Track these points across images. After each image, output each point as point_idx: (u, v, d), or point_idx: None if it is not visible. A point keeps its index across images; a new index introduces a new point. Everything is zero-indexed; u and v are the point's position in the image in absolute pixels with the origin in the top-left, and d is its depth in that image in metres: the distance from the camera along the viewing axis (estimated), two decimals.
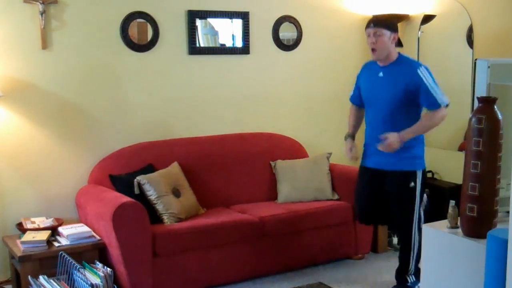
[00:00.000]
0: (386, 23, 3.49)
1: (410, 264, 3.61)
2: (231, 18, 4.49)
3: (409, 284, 3.65)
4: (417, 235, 3.53)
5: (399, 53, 3.54)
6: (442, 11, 4.84)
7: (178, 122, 4.38)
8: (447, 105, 3.43)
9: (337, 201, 4.28)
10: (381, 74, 3.52)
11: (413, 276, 3.64)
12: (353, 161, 3.76)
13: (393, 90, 3.44)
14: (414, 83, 3.38)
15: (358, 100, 3.76)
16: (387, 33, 3.42)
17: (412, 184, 3.51)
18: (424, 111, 3.50)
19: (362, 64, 5.11)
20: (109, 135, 4.11)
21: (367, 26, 3.48)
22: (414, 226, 3.52)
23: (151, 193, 3.76)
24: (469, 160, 2.24)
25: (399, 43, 3.57)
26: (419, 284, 3.49)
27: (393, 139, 3.38)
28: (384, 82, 3.50)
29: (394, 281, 3.89)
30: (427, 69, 3.43)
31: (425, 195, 3.63)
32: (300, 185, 4.31)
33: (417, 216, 3.54)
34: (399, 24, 5.05)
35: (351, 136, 3.74)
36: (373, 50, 3.46)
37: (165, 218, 3.73)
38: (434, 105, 3.40)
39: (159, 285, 3.55)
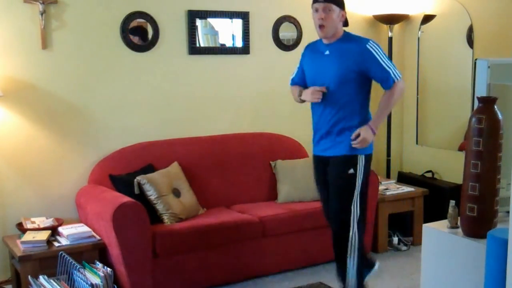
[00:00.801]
0: None
1: (349, 269, 3.32)
2: (231, 18, 4.49)
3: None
4: (356, 233, 3.26)
5: (346, 31, 3.31)
6: (442, 11, 4.84)
7: (178, 122, 4.38)
8: (401, 79, 3.25)
9: None
10: (327, 52, 3.28)
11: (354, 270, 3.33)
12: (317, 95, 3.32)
13: (341, 68, 3.21)
14: (365, 58, 3.18)
15: (301, 81, 3.49)
16: (336, 9, 3.21)
17: (352, 170, 3.23)
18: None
19: None
20: (109, 135, 4.11)
21: (315, 0, 3.25)
22: (352, 221, 3.24)
23: (151, 193, 3.76)
24: (469, 160, 2.24)
25: (345, 23, 3.31)
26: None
27: (365, 133, 3.21)
28: (331, 60, 3.26)
29: (394, 281, 3.90)
30: (376, 43, 3.23)
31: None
32: (300, 185, 4.30)
33: (355, 209, 3.25)
34: (399, 24, 5.07)
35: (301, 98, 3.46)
36: (321, 26, 3.21)
37: (165, 218, 3.73)
38: (388, 80, 3.21)
39: (159, 285, 3.55)
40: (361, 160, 3.26)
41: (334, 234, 3.39)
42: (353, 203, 3.24)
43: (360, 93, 3.29)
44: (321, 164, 3.39)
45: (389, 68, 3.21)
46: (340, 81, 3.22)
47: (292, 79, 3.59)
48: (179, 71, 4.35)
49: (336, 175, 3.28)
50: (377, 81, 3.27)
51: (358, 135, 3.22)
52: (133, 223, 3.42)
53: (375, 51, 3.19)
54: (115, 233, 3.37)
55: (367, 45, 3.19)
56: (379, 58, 3.19)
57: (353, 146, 3.23)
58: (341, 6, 3.27)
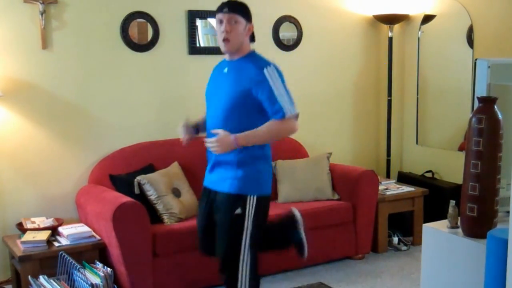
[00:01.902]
0: (244, 9, 2.92)
1: None
2: (254, 36, 4.46)
3: None
4: (246, 281, 2.86)
5: (253, 50, 2.98)
6: (442, 11, 4.84)
7: (178, 122, 4.35)
8: (296, 116, 2.84)
9: (337, 201, 4.28)
10: (226, 70, 2.94)
11: None
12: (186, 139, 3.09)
13: (232, 89, 2.85)
14: (257, 83, 2.79)
15: None
16: (243, 21, 2.88)
17: (239, 210, 2.82)
18: None
19: (362, 64, 5.15)
20: (109, 135, 4.11)
21: (220, 10, 2.87)
22: (241, 269, 2.84)
23: (151, 193, 3.76)
24: (469, 160, 2.24)
25: (252, 38, 2.99)
26: None
27: (223, 137, 2.79)
28: (226, 79, 2.91)
29: (394, 281, 3.90)
30: (277, 70, 2.85)
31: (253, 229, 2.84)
32: (300, 185, 4.31)
33: (245, 257, 2.84)
34: (399, 24, 5.07)
35: (194, 124, 3.12)
36: (225, 40, 2.85)
37: (165, 218, 3.73)
38: (278, 112, 2.78)
39: (159, 285, 3.55)
40: (251, 201, 2.84)
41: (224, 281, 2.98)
42: (241, 250, 2.84)
43: (258, 120, 2.84)
44: (206, 196, 3.03)
45: (282, 100, 2.79)
46: (230, 102, 2.86)
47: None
48: (179, 71, 4.35)
49: (220, 214, 2.90)
50: (267, 111, 2.82)
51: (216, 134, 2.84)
52: (133, 223, 3.42)
53: (271, 78, 2.80)
54: (115, 233, 3.37)
55: (264, 70, 2.81)
56: (273, 87, 2.78)
57: (206, 145, 2.86)
58: (248, 18, 2.94)
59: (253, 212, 2.84)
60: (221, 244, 2.91)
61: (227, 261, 2.91)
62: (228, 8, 2.87)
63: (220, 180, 2.91)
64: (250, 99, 2.82)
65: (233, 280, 2.88)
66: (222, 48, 2.91)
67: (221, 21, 2.87)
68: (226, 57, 2.98)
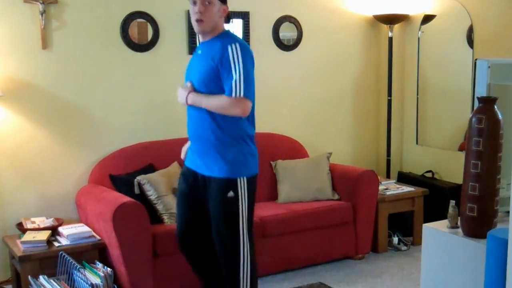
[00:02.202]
0: None
1: None
2: (231, 18, 4.48)
3: None
4: (248, 263, 2.89)
5: (227, 30, 2.96)
6: (442, 11, 4.84)
7: (178, 122, 4.37)
8: (245, 98, 2.81)
9: (337, 201, 4.28)
10: (200, 51, 2.96)
11: None
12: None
13: (202, 68, 2.88)
14: (219, 57, 2.78)
15: None
16: (217, 2, 2.85)
17: (231, 193, 2.84)
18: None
19: (362, 64, 5.15)
20: (109, 135, 4.11)
21: None
22: (242, 250, 2.87)
23: (151, 193, 3.76)
24: (469, 160, 2.24)
25: (227, 20, 2.97)
26: None
27: (182, 92, 2.91)
28: (199, 59, 2.92)
29: (394, 281, 3.89)
30: (243, 48, 2.80)
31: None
32: (300, 185, 4.31)
33: (243, 237, 2.86)
34: (399, 24, 5.07)
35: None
36: (198, 21, 2.83)
37: (165, 218, 3.73)
38: (227, 90, 2.78)
39: (159, 285, 3.55)
40: (242, 183, 2.87)
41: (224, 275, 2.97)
42: (240, 232, 2.88)
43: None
44: (190, 179, 3.00)
45: (236, 79, 2.77)
46: (203, 81, 2.87)
47: None
48: (179, 71, 4.33)
49: (213, 200, 2.89)
50: (224, 87, 2.82)
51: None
52: (133, 223, 3.42)
53: (233, 53, 2.78)
54: (115, 233, 3.37)
55: (229, 46, 2.78)
56: (232, 64, 2.77)
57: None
58: (223, 0, 2.90)
59: (246, 193, 2.88)
60: (218, 231, 2.90)
61: (226, 248, 2.89)
62: None
63: (207, 164, 2.89)
64: (217, 75, 2.82)
65: (234, 272, 2.89)
66: (195, 29, 2.90)
67: (194, 2, 2.86)
68: (201, 38, 2.97)
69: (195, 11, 2.84)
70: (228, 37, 2.88)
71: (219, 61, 2.79)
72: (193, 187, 3.00)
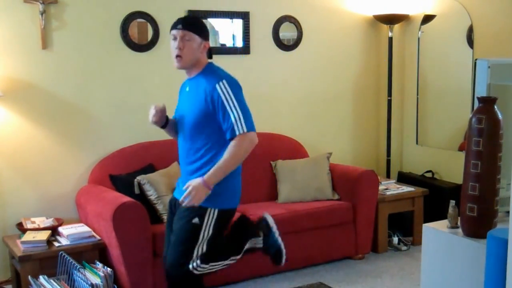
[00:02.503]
0: (199, 27, 2.87)
1: None
2: (231, 18, 4.49)
3: None
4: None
5: (209, 63, 2.93)
6: (442, 11, 4.84)
7: None
8: (248, 132, 2.79)
9: (337, 201, 4.28)
10: (187, 88, 2.96)
11: None
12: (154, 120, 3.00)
13: (193, 110, 2.85)
14: (212, 101, 2.78)
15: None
16: (197, 38, 2.83)
17: (196, 220, 2.79)
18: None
19: (362, 64, 5.15)
20: (109, 135, 4.11)
21: (174, 26, 2.85)
22: (187, 279, 2.84)
23: (151, 193, 3.76)
24: (469, 160, 2.24)
25: (211, 54, 2.95)
26: None
27: (195, 186, 2.74)
28: (188, 98, 2.92)
29: (394, 281, 3.89)
30: (230, 83, 2.80)
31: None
32: (300, 185, 4.30)
33: (194, 266, 2.82)
34: (399, 24, 5.07)
35: (165, 115, 3.00)
36: (177, 56, 2.83)
37: (165, 218, 3.73)
38: (228, 130, 2.76)
39: (159, 285, 3.55)
40: (211, 214, 2.82)
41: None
42: (192, 260, 2.83)
43: (216, 137, 2.84)
44: (174, 208, 3.00)
45: (235, 116, 2.76)
46: (192, 122, 2.86)
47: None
48: (179, 71, 4.33)
49: (177, 221, 2.87)
50: (222, 128, 2.81)
51: (188, 187, 2.78)
52: (133, 223, 3.42)
53: (224, 93, 2.76)
54: (115, 233, 3.37)
55: (217, 85, 2.77)
56: (225, 103, 2.75)
57: (181, 202, 2.80)
58: (204, 36, 2.87)
59: (211, 224, 2.83)
60: (173, 251, 2.86)
61: (175, 268, 2.85)
62: (182, 24, 2.84)
63: (183, 190, 2.83)
64: (211, 116, 2.81)
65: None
66: (175, 65, 2.88)
67: (175, 38, 2.84)
68: (187, 75, 2.96)
69: (175, 46, 2.83)
70: (212, 73, 2.85)
71: (211, 103, 2.78)
72: (171, 214, 3.02)
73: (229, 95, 2.77)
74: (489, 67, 2.42)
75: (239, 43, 4.55)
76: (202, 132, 2.85)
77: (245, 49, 4.57)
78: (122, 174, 3.91)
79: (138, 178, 3.80)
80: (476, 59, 2.54)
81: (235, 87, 2.82)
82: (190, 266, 2.82)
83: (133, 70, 4.18)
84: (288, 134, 4.72)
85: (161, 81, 4.28)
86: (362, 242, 4.31)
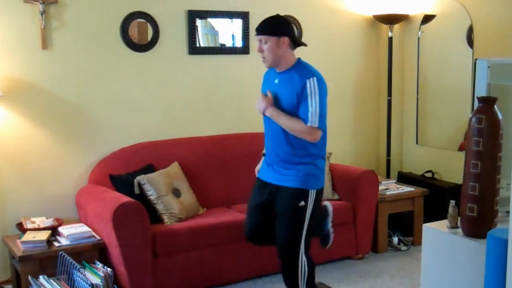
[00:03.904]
0: (271, 28, 3.14)
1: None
2: (231, 18, 4.49)
3: None
4: (305, 262, 3.19)
5: (299, 59, 3.22)
6: (442, 11, 4.84)
7: (178, 122, 4.38)
8: (318, 128, 3.10)
9: (337, 201, 4.28)
10: (276, 81, 3.22)
11: None
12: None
13: (287, 99, 3.15)
14: (299, 93, 3.09)
15: None
16: (273, 38, 3.10)
17: (302, 203, 3.13)
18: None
19: (362, 64, 5.15)
20: (109, 135, 4.11)
21: (254, 32, 3.21)
22: (300, 251, 3.17)
23: (151, 193, 3.77)
24: (469, 160, 2.24)
25: (300, 44, 3.23)
26: None
27: (264, 99, 3.17)
28: (278, 90, 3.20)
29: (394, 281, 3.89)
30: (319, 81, 3.12)
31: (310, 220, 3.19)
32: None
33: (302, 242, 3.16)
34: (399, 24, 5.07)
35: (263, 154, 3.45)
36: (263, 58, 3.19)
37: (165, 218, 3.73)
38: (305, 119, 3.08)
39: (159, 285, 3.55)
40: (312, 195, 3.15)
41: (283, 265, 3.27)
42: (302, 236, 3.15)
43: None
44: (263, 189, 3.28)
45: (312, 110, 3.06)
46: (284, 111, 3.14)
47: None
48: (179, 71, 4.35)
49: (285, 206, 3.17)
50: (300, 115, 3.10)
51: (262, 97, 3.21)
52: (133, 223, 3.42)
53: (311, 88, 3.07)
54: (115, 233, 3.37)
55: (307, 80, 3.08)
56: (309, 96, 3.06)
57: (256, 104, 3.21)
58: (279, 33, 3.13)
59: (313, 203, 3.16)
60: (283, 232, 3.19)
61: (288, 247, 3.19)
62: (257, 30, 3.18)
63: (283, 177, 3.17)
64: (295, 106, 3.10)
65: (293, 263, 3.20)
66: (264, 65, 3.23)
67: (258, 41, 3.17)
68: (276, 69, 3.22)
69: (258, 50, 3.19)
70: (304, 69, 3.16)
71: (299, 94, 3.08)
72: (265, 197, 3.26)
73: (315, 91, 3.08)
74: (489, 67, 2.43)
75: (239, 43, 4.55)
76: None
77: (244, 49, 4.57)
78: (122, 174, 3.91)
79: (138, 178, 3.80)
80: (476, 59, 2.54)
81: (322, 87, 3.13)
82: (301, 246, 3.15)
83: (133, 70, 4.17)
84: None
85: (161, 81, 4.28)
86: (362, 242, 4.30)
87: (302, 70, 3.15)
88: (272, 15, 3.28)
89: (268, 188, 3.25)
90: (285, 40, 3.14)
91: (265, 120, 3.27)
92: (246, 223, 3.41)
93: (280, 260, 3.26)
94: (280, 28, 3.17)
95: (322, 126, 3.15)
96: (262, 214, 3.30)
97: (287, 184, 3.16)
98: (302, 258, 3.18)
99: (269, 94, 3.21)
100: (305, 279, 3.23)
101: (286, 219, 3.18)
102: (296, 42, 3.22)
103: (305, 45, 3.29)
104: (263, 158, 3.43)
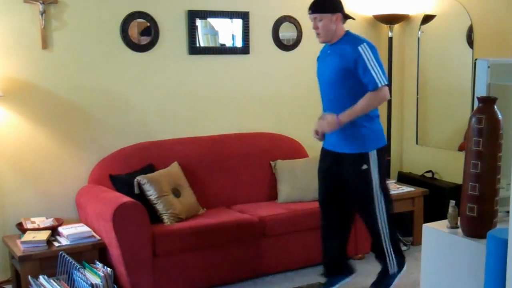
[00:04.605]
0: (325, 6, 3.36)
1: (386, 251, 3.51)
2: (231, 18, 4.49)
3: (390, 273, 3.58)
4: (384, 218, 3.43)
5: (347, 31, 3.42)
6: (442, 11, 4.84)
7: (178, 122, 4.38)
8: (386, 85, 3.31)
9: None
10: (329, 51, 3.45)
11: (394, 263, 3.56)
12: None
13: (334, 67, 3.36)
14: (353, 59, 3.28)
15: None
16: (327, 16, 3.32)
17: (365, 166, 3.36)
18: None
19: None
20: (109, 135, 4.11)
21: (308, 11, 3.42)
22: (378, 210, 3.41)
23: (151, 193, 3.76)
24: (469, 160, 2.24)
25: (348, 17, 3.42)
26: (402, 271, 3.60)
27: (330, 120, 3.31)
28: (329, 60, 3.42)
29: (394, 282, 3.89)
30: (370, 46, 3.31)
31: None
32: (300, 185, 4.30)
33: (378, 199, 3.40)
34: (399, 24, 5.07)
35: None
36: (317, 35, 3.40)
37: (165, 218, 3.73)
38: (373, 84, 3.26)
39: (159, 285, 3.55)
40: (373, 156, 3.37)
41: (371, 234, 3.58)
42: (375, 196, 3.39)
43: (357, 92, 3.31)
44: (328, 157, 3.52)
45: (375, 72, 3.25)
46: (333, 79, 3.35)
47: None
48: (179, 71, 4.35)
49: (350, 172, 3.42)
50: (363, 82, 3.29)
51: (323, 118, 3.36)
52: (133, 223, 3.42)
53: (365, 53, 3.26)
54: (115, 233, 3.37)
55: (359, 47, 3.27)
56: (367, 61, 3.25)
57: (314, 128, 3.40)
58: (332, 10, 3.34)
59: (375, 164, 3.36)
60: (357, 198, 3.47)
61: (364, 210, 3.47)
62: (311, 9, 3.39)
63: (342, 143, 3.40)
64: (351, 74, 3.29)
65: (374, 223, 3.46)
66: (318, 40, 3.44)
67: (311, 20, 3.39)
68: (328, 42, 3.44)
69: (313, 27, 3.40)
70: (354, 39, 3.36)
71: (354, 62, 3.27)
72: (331, 164, 3.50)
73: (369, 55, 3.27)
74: (489, 67, 2.42)
75: (239, 43, 4.55)
76: (343, 85, 3.33)
77: (244, 49, 4.57)
78: (122, 174, 3.91)
79: (138, 178, 3.80)
80: (476, 59, 2.54)
81: (374, 49, 3.32)
82: (376, 207, 3.40)
83: (133, 70, 4.17)
84: (287, 134, 4.73)
85: (161, 81, 4.28)
86: (362, 242, 4.30)
87: (352, 40, 3.35)
88: None
89: (331, 156, 3.48)
90: (338, 16, 3.35)
91: (321, 88, 3.49)
92: (319, 191, 3.62)
93: (366, 227, 3.58)
94: (333, 4, 3.37)
95: (387, 81, 3.32)
96: (330, 179, 3.52)
97: (347, 150, 3.39)
98: (381, 218, 3.41)
99: (328, 115, 3.35)
100: (391, 244, 3.48)
101: (353, 184, 3.43)
102: (346, 16, 3.41)
103: (353, 18, 3.48)
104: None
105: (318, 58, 3.57)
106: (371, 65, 3.26)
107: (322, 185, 3.60)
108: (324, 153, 3.57)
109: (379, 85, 3.25)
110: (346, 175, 3.45)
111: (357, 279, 3.97)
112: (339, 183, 3.51)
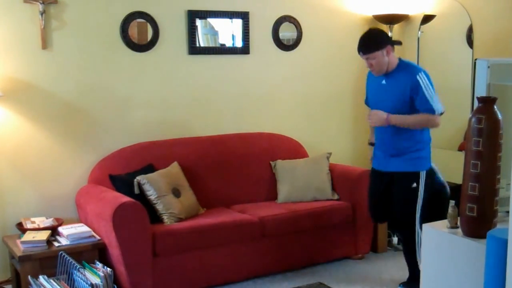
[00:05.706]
0: (373, 45, 3.47)
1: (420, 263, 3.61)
2: (231, 18, 4.49)
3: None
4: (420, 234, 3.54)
5: (399, 59, 3.57)
6: (442, 11, 4.84)
7: (178, 122, 4.38)
8: (441, 113, 3.49)
9: (337, 201, 4.28)
10: (384, 81, 3.58)
11: None
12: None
13: (394, 97, 3.51)
14: (413, 89, 3.43)
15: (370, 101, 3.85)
16: (378, 53, 3.45)
17: (415, 184, 3.56)
18: None
19: (362, 64, 5.13)
20: (109, 135, 4.11)
21: (358, 51, 3.52)
22: (417, 226, 3.56)
23: (151, 193, 3.77)
24: (469, 160, 2.24)
25: (397, 43, 3.58)
26: None
27: (380, 116, 3.51)
28: (387, 89, 3.56)
29: (394, 281, 3.90)
30: (426, 74, 3.46)
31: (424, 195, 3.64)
32: (300, 185, 4.31)
33: (419, 216, 3.57)
34: (399, 24, 5.07)
35: (371, 143, 3.87)
36: (372, 71, 3.56)
37: (165, 218, 3.73)
38: (429, 111, 3.45)
39: (159, 285, 3.55)
40: (422, 175, 3.57)
41: (404, 240, 3.81)
42: (417, 213, 3.57)
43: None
44: (378, 177, 3.72)
45: (433, 101, 3.42)
46: (396, 108, 3.49)
47: (365, 100, 3.88)
48: (179, 71, 4.35)
49: (400, 189, 3.61)
50: (420, 110, 3.45)
51: (375, 113, 3.57)
52: (133, 223, 3.42)
53: (423, 82, 3.42)
54: (115, 233, 3.37)
55: (417, 76, 3.42)
56: (425, 90, 3.41)
57: (366, 119, 3.64)
58: (382, 46, 3.44)
59: (424, 183, 3.57)
60: (401, 212, 3.64)
61: (405, 224, 3.64)
62: (361, 52, 3.49)
63: (396, 164, 3.60)
64: (408, 102, 3.46)
65: (410, 234, 3.63)
66: (373, 74, 3.60)
67: (364, 59, 3.52)
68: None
69: (366, 65, 3.55)
70: (409, 67, 3.53)
71: (412, 91, 3.43)
72: (382, 185, 3.69)
73: (427, 84, 3.42)
74: (488, 67, 2.42)
75: (239, 43, 4.55)
76: (402, 112, 3.48)
77: (244, 49, 4.57)
78: (122, 174, 3.91)
79: (138, 178, 3.80)
80: (476, 59, 2.54)
81: (429, 77, 3.47)
82: (417, 224, 3.55)
83: (133, 70, 4.18)
84: (287, 134, 4.73)
85: (161, 81, 4.28)
86: (361, 242, 4.31)
87: (408, 68, 3.51)
88: (364, 31, 3.62)
89: (383, 176, 3.67)
90: (388, 48, 3.48)
91: (373, 107, 3.64)
92: (369, 206, 3.86)
93: (400, 235, 3.87)
94: (381, 41, 3.48)
95: (442, 110, 3.49)
96: (381, 198, 3.72)
97: (400, 169, 3.58)
98: (418, 231, 3.57)
99: (378, 112, 3.54)
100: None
101: (401, 200, 3.61)
102: (393, 43, 3.57)
103: (400, 43, 3.70)
104: (371, 147, 3.82)
105: (369, 83, 3.75)
106: (429, 94, 3.41)
107: (373, 202, 3.82)
108: (374, 172, 3.76)
109: (436, 113, 3.44)
110: (394, 192, 3.64)
111: (357, 279, 3.97)
112: (386, 199, 3.71)
